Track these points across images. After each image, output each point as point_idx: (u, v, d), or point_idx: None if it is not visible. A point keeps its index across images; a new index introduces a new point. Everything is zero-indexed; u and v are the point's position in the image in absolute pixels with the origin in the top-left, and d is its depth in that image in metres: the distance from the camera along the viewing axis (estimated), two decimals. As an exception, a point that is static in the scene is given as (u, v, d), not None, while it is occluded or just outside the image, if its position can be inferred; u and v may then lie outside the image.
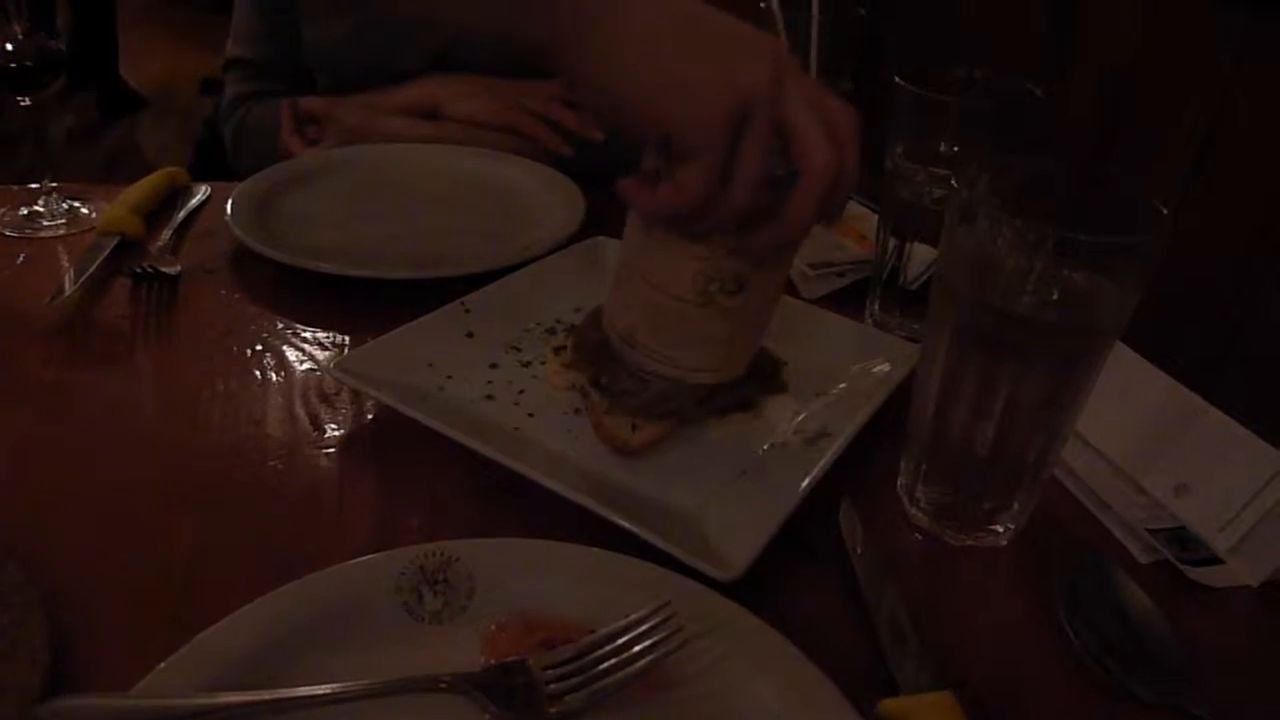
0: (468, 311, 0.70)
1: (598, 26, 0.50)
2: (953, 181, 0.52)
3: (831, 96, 0.51)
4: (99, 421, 0.62)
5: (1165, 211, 0.48)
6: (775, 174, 0.51)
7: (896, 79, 0.69)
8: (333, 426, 0.62)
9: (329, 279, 0.76)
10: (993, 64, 0.72)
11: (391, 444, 0.61)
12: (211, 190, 0.93)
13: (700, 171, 0.49)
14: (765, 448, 0.60)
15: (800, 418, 0.63)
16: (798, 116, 0.50)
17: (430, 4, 0.69)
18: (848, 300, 0.81)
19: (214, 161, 1.18)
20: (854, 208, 1.00)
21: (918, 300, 0.73)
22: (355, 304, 0.76)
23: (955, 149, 0.69)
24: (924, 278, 0.73)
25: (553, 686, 0.42)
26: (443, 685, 0.42)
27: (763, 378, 0.64)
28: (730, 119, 0.48)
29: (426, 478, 0.58)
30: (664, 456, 0.59)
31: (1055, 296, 0.50)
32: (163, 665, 0.42)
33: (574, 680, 0.42)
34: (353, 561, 0.47)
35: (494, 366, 0.66)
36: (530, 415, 0.62)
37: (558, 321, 0.71)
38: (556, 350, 0.67)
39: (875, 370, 0.68)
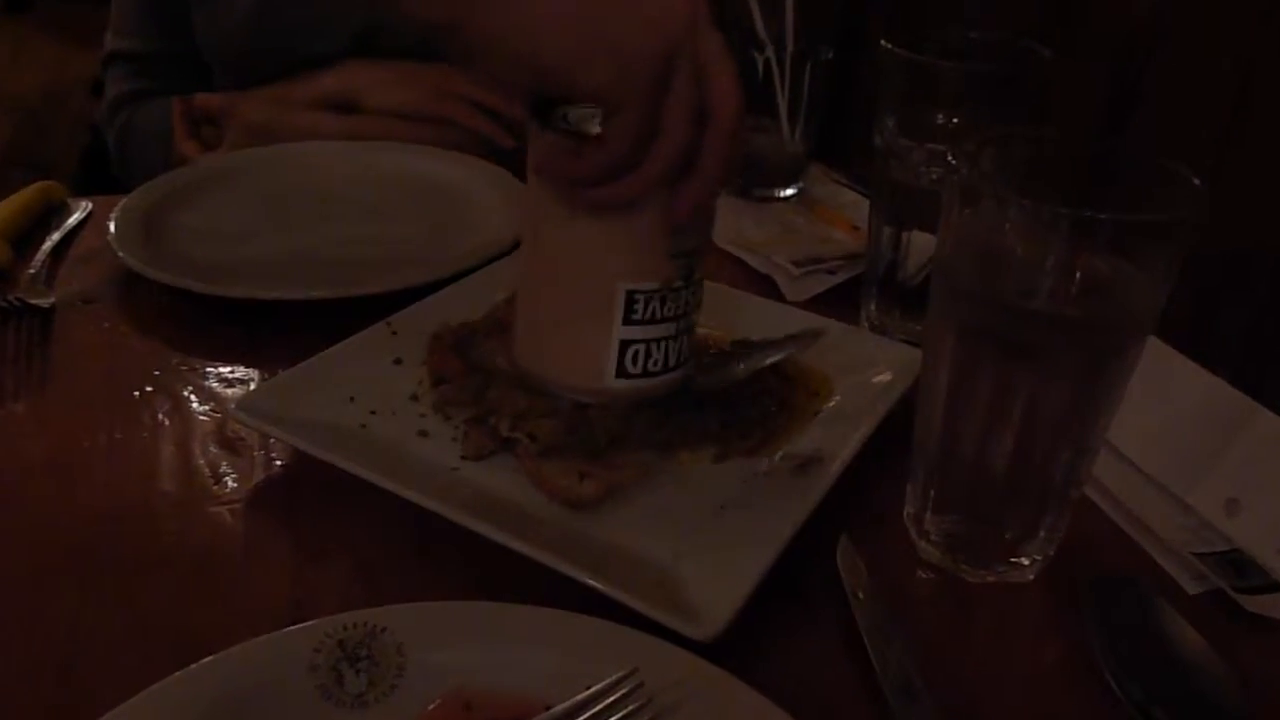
0: (394, 334, 0.69)
1: None
2: (950, 158, 0.51)
3: (729, 64, 0.53)
4: (-41, 484, 0.60)
5: (1197, 182, 0.48)
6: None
7: (883, 43, 0.69)
8: (237, 478, 0.61)
9: (232, 305, 0.74)
10: (992, 24, 0.72)
11: (307, 496, 0.60)
12: (93, 206, 0.91)
13: (631, 125, 0.51)
14: (747, 478, 0.59)
15: (788, 440, 0.62)
16: (713, 53, 0.52)
17: None
18: (839, 301, 0.81)
19: (102, 173, 1.16)
20: (844, 194, 1.00)
21: (920, 298, 0.72)
22: (263, 332, 0.74)
23: (954, 121, 0.68)
24: (926, 271, 0.73)
25: (500, 778, 0.41)
26: (368, 783, 0.40)
27: (752, 413, 0.63)
28: (657, 69, 0.50)
29: (350, 534, 0.57)
30: (627, 495, 0.58)
31: (1075, 287, 0.50)
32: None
33: (525, 769, 0.41)
34: (260, 639, 0.46)
35: (427, 398, 0.65)
36: (471, 453, 0.61)
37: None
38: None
39: (874, 381, 0.67)
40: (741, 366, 0.65)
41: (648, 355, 0.58)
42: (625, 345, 0.58)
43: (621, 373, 0.58)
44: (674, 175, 0.53)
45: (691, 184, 0.54)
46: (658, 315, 0.57)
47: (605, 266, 0.57)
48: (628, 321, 0.57)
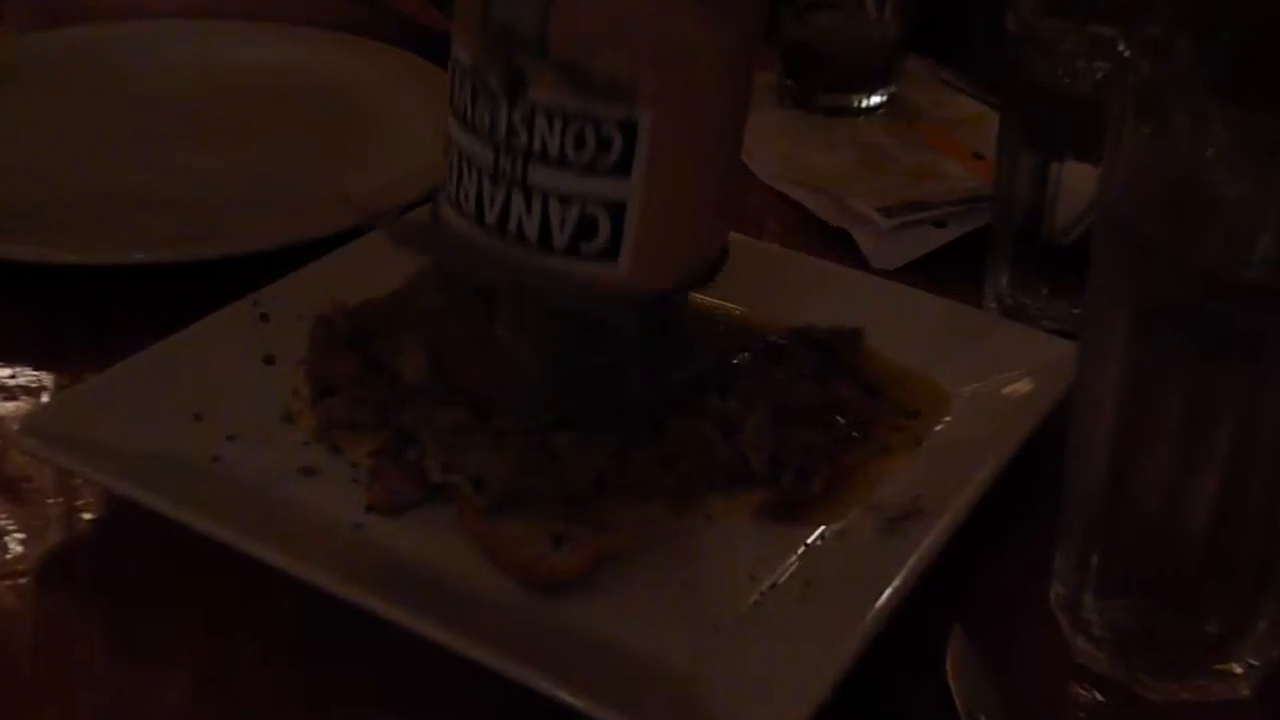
0: (263, 318, 0.69)
1: None
2: (1123, 48, 0.52)
3: None
4: None
5: None
6: None
7: None
8: (23, 539, 0.61)
9: (15, 273, 0.75)
10: None
11: (131, 565, 0.60)
12: None
13: None
14: (808, 542, 0.60)
15: (873, 484, 0.63)
16: None
17: None
18: (953, 268, 0.82)
19: None
20: (959, 103, 1.00)
21: (1076, 264, 0.72)
22: (64, 316, 0.75)
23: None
24: (1086, 224, 0.73)
25: None
26: None
27: (819, 442, 0.64)
28: None
29: (196, 623, 0.57)
30: (625, 568, 0.58)
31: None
32: None
33: None
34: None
35: (313, 415, 0.66)
36: (383, 501, 0.61)
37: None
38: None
39: (1005, 392, 0.68)
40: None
41: (460, 178, 0.61)
42: (454, 152, 0.61)
43: (449, 192, 0.63)
44: None
45: None
46: (469, 116, 0.60)
47: None
48: (453, 109, 0.61)
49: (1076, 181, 0.74)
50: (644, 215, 0.59)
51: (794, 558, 0.59)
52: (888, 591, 0.55)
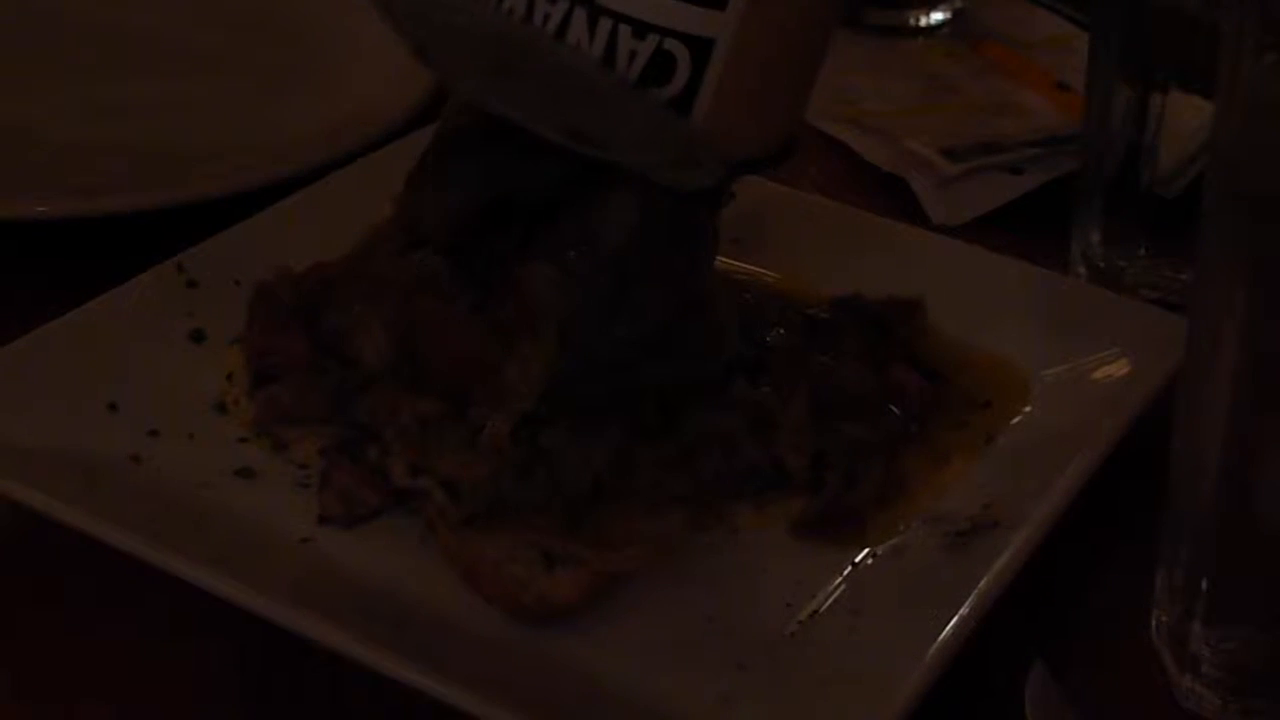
0: (191, 285, 0.70)
1: None
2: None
3: None
4: None
5: None
6: None
7: None
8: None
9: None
10: None
11: (30, 586, 0.60)
12: None
13: None
14: (857, 561, 0.60)
15: (935, 491, 0.63)
16: None
17: None
18: (1032, 224, 0.82)
19: None
20: (1039, 21, 1.00)
21: (1183, 220, 0.72)
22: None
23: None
24: (1196, 170, 0.73)
25: None
26: None
27: (870, 439, 0.64)
28: None
29: (114, 656, 0.57)
30: (634, 594, 0.58)
31: None
32: None
33: None
34: None
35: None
36: (338, 508, 0.61)
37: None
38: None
39: (1096, 377, 0.68)
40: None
41: None
42: None
43: None
44: None
45: None
46: None
47: None
48: None
49: (1183, 118, 0.73)
50: (731, 62, 0.58)
51: (839, 580, 0.59)
52: (953, 621, 0.54)
